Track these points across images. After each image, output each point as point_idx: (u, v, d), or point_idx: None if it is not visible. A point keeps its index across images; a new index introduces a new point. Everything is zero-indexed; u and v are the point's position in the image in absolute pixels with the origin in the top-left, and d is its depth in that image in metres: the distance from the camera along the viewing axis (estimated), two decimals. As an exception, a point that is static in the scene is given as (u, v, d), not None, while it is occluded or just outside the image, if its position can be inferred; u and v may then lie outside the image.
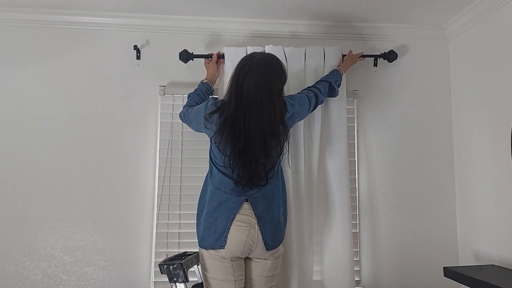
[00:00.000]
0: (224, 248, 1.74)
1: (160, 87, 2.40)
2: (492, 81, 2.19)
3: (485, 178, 2.24)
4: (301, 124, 2.22)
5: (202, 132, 1.93)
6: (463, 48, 2.46)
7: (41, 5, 2.33)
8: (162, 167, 2.35)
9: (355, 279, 2.34)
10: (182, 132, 2.37)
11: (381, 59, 2.49)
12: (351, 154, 2.46)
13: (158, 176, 2.35)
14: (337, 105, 2.31)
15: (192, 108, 1.99)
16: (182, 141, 2.38)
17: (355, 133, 2.50)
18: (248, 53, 2.09)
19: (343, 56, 2.35)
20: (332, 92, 2.17)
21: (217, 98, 2.00)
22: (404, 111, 2.55)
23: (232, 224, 1.74)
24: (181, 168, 2.37)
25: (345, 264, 2.23)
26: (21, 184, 2.32)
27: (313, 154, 2.26)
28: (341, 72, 2.24)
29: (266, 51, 2.18)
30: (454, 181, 2.52)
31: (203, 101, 2.04)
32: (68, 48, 2.42)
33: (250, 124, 1.69)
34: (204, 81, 2.17)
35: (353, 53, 2.38)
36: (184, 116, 2.04)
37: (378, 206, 2.48)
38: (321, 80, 2.16)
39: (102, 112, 2.40)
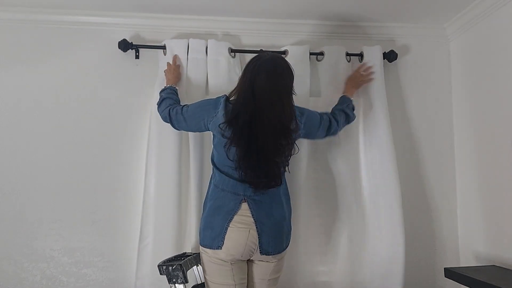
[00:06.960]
0: (221, 249, 1.69)
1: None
2: (493, 81, 2.18)
3: (486, 178, 2.23)
4: None
5: (197, 131, 1.94)
6: (464, 48, 2.44)
7: (41, 4, 2.32)
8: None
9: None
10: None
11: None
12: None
13: (158, 176, 2.33)
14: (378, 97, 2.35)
15: (187, 106, 1.91)
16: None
17: (355, 133, 2.49)
18: (190, 46, 2.28)
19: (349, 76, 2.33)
20: (348, 118, 2.13)
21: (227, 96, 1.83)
22: (404, 111, 2.53)
23: (231, 225, 1.70)
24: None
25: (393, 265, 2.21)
26: (19, 185, 2.31)
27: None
28: (348, 96, 2.20)
29: (209, 46, 2.27)
30: (455, 181, 2.51)
31: (178, 102, 2.04)
32: (67, 48, 2.41)
33: (264, 124, 1.64)
34: (172, 86, 2.13)
35: (361, 72, 2.31)
36: (176, 114, 1.92)
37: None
38: (335, 109, 2.12)
39: (100, 112, 2.38)
